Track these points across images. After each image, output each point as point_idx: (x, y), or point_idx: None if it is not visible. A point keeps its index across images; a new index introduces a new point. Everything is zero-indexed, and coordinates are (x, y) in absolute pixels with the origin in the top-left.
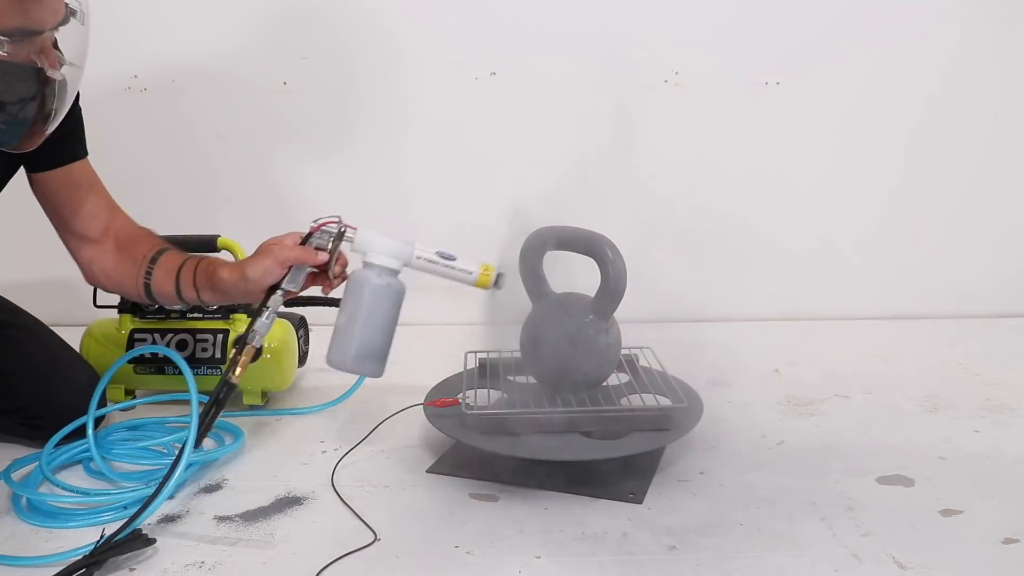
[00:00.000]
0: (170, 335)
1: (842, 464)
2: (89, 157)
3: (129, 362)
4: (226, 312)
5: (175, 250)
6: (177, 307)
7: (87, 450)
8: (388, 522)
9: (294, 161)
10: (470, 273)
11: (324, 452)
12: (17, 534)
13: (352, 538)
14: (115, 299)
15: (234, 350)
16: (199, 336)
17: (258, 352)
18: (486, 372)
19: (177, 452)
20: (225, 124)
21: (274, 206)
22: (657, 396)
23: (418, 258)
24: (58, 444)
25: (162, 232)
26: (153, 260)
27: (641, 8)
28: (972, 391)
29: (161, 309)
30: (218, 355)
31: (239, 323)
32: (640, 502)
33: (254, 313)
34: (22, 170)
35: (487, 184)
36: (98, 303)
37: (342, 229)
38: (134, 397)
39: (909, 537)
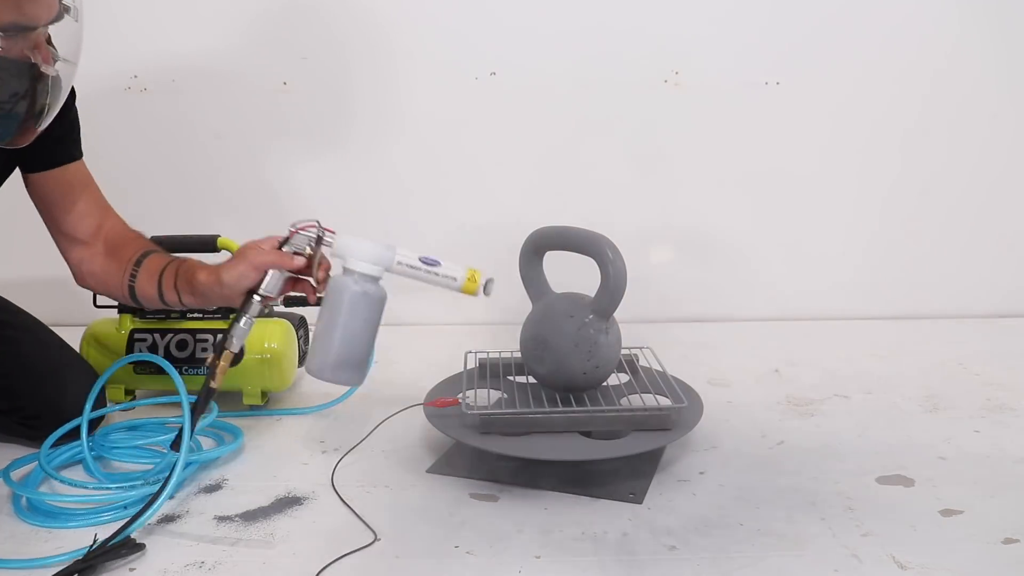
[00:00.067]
0: (170, 335)
1: (842, 464)
2: (89, 157)
3: (129, 363)
4: (226, 312)
5: (161, 252)
6: (166, 310)
7: (88, 449)
8: (388, 522)
9: (294, 161)
10: (455, 279)
11: (324, 452)
12: (17, 534)
13: (352, 538)
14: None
15: (212, 355)
16: (199, 336)
17: (238, 357)
18: (486, 372)
19: (171, 468)
20: (225, 124)
21: (274, 206)
22: (657, 396)
23: (399, 263)
24: (56, 444)
25: (162, 232)
26: (138, 263)
27: (641, 8)
28: (972, 391)
29: (161, 309)
30: None
31: None
32: (640, 502)
33: (233, 318)
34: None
35: (487, 184)
36: (98, 303)
37: (320, 233)
38: (134, 397)
39: (909, 537)
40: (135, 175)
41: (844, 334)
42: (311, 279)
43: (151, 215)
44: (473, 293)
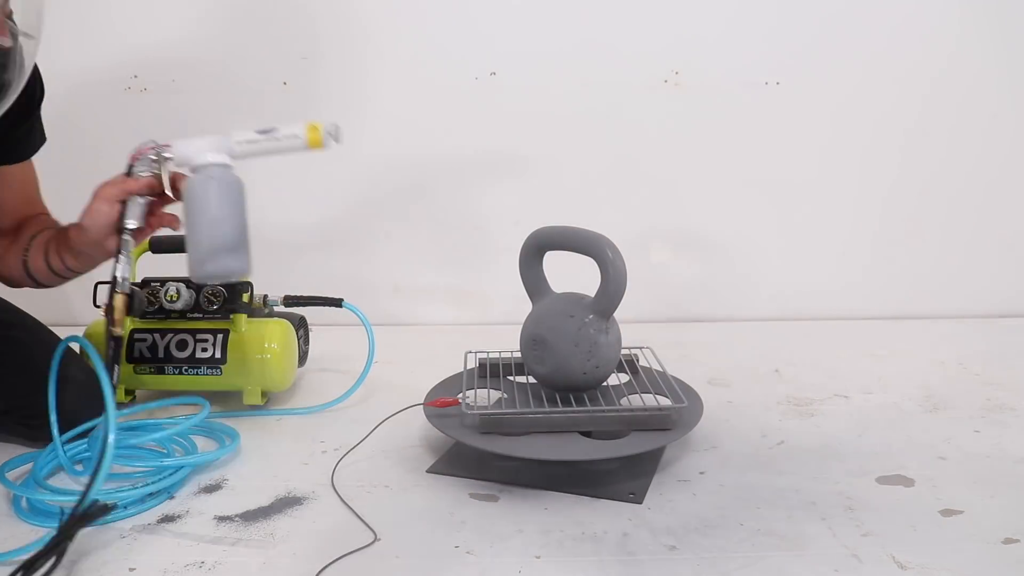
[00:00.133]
0: (170, 335)
1: (842, 464)
2: (90, 157)
3: (129, 362)
4: (226, 312)
5: (54, 227)
6: (54, 284)
7: (86, 450)
8: (388, 522)
9: (293, 161)
10: (298, 137)
11: (324, 452)
12: (17, 534)
13: (352, 538)
14: None
15: (105, 304)
16: (199, 336)
17: (131, 298)
18: (486, 372)
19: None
20: (225, 124)
21: (273, 205)
22: (657, 396)
23: (239, 143)
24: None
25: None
26: (32, 238)
27: (641, 8)
28: (972, 391)
29: (161, 309)
30: (218, 355)
31: (239, 323)
32: (640, 502)
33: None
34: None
35: (486, 184)
36: (98, 303)
37: (157, 149)
38: (134, 397)
39: (909, 537)
40: None
41: (844, 334)
42: (172, 197)
43: None
44: (321, 145)
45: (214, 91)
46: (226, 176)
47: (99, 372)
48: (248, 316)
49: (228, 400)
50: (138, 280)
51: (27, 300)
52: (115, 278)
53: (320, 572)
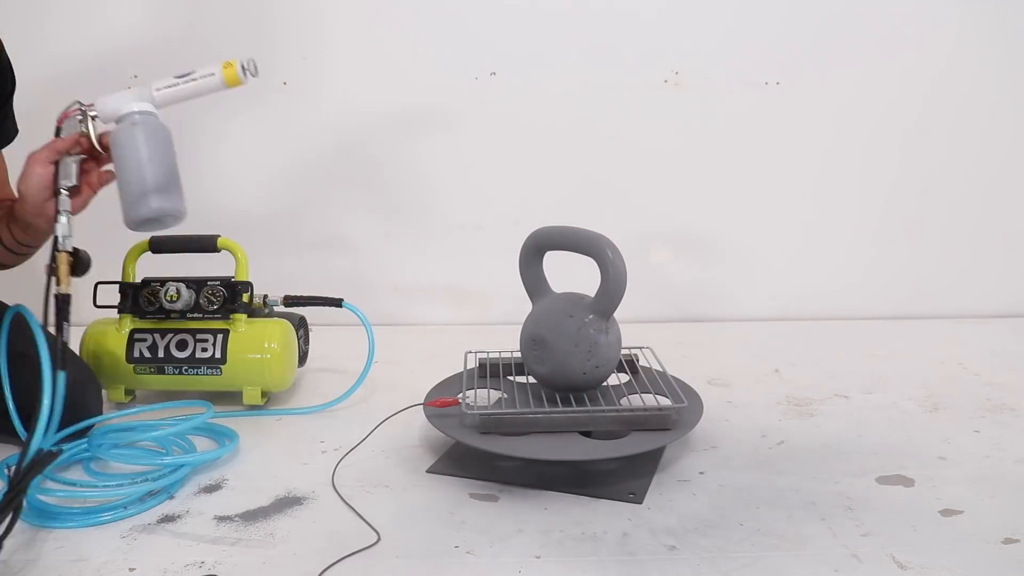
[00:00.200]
0: (170, 335)
1: (842, 464)
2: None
3: (129, 362)
4: (226, 312)
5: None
6: (14, 263)
7: (86, 450)
8: (388, 522)
9: (293, 161)
10: (213, 75)
11: (324, 452)
12: (16, 534)
13: (353, 538)
14: (115, 299)
15: (47, 264)
16: (199, 336)
17: (75, 258)
18: (486, 372)
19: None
20: (225, 124)
21: (274, 206)
22: (657, 396)
23: (158, 90)
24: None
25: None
26: None
27: (641, 8)
28: (972, 391)
29: (161, 309)
30: (218, 355)
31: (239, 323)
32: (640, 502)
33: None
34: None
35: (487, 184)
36: (98, 303)
37: (82, 108)
38: (134, 397)
39: (909, 537)
40: None
41: (844, 334)
42: (96, 151)
43: None
44: (239, 82)
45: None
46: (149, 121)
47: (37, 338)
48: (248, 316)
49: (228, 400)
50: (138, 280)
51: (27, 300)
52: (56, 237)
53: (321, 572)
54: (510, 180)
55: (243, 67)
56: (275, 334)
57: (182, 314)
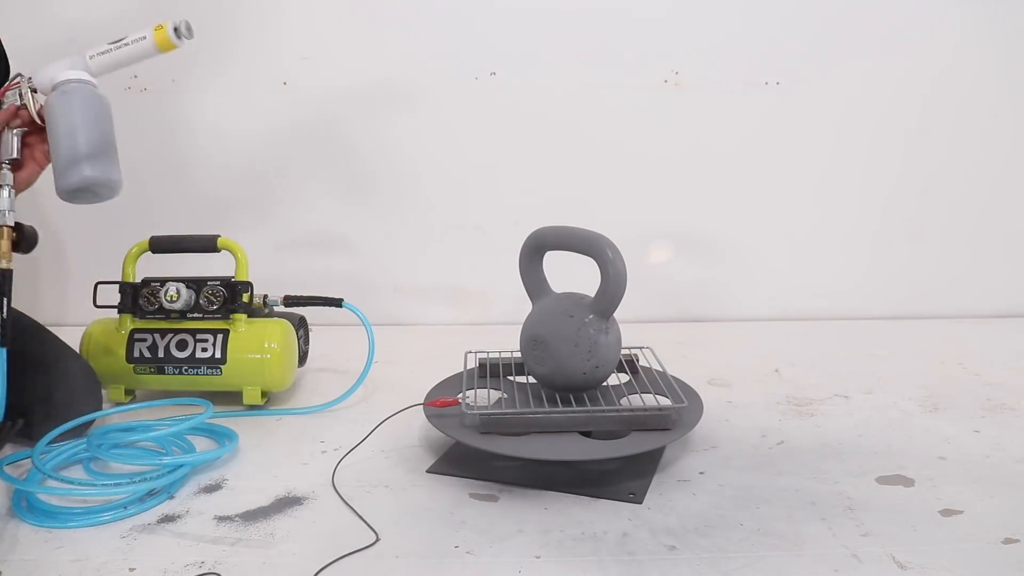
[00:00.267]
0: (170, 335)
1: (842, 464)
2: None
3: (128, 362)
4: (226, 312)
5: None
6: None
7: (86, 450)
8: (388, 522)
9: (294, 161)
10: (144, 38)
11: (324, 452)
12: (17, 534)
13: (352, 538)
14: (115, 299)
15: None
16: (199, 336)
17: (19, 233)
18: (486, 372)
19: None
20: (225, 124)
21: (274, 206)
22: (657, 396)
23: (92, 57)
24: (51, 443)
25: (161, 232)
26: None
27: (641, 8)
28: (972, 391)
29: (161, 309)
30: (218, 355)
31: (239, 323)
32: (640, 502)
33: None
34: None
35: (486, 184)
36: (98, 303)
37: (22, 81)
38: (134, 397)
39: (909, 537)
40: (135, 175)
41: (844, 334)
42: (36, 122)
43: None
44: (171, 45)
45: (214, 91)
46: (82, 89)
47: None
48: (248, 316)
49: (228, 400)
50: (138, 280)
51: (27, 300)
52: None
53: (320, 572)
54: (510, 180)
55: (175, 29)
56: (275, 334)
57: (182, 314)
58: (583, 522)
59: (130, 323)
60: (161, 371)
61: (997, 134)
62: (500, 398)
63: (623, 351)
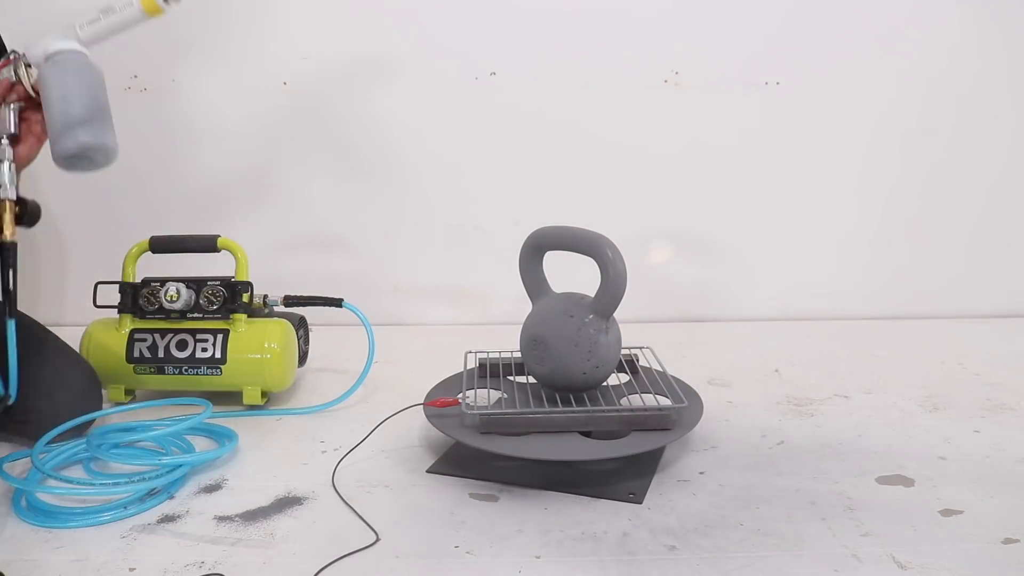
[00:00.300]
0: (170, 335)
1: (842, 464)
2: None
3: (128, 362)
4: (226, 312)
5: None
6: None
7: (85, 449)
8: (388, 522)
9: (294, 161)
10: (132, 4)
11: (324, 452)
12: (17, 534)
13: (352, 538)
14: (115, 299)
15: None
16: (199, 336)
17: (22, 207)
18: (486, 372)
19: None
20: (225, 124)
21: (274, 206)
22: (657, 396)
23: (81, 27)
24: (50, 443)
25: (161, 232)
26: None
27: (641, 8)
28: (972, 391)
29: (161, 309)
30: (218, 355)
31: (239, 323)
32: (640, 502)
33: None
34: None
35: (486, 184)
36: (98, 303)
37: (16, 56)
38: (134, 397)
39: (909, 537)
40: (135, 175)
41: (844, 334)
42: (33, 99)
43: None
44: (159, 9)
45: (214, 91)
46: (74, 58)
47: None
48: (248, 316)
49: (228, 400)
50: (138, 280)
51: (27, 300)
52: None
53: (320, 572)
54: (510, 180)
55: None
56: (275, 334)
57: (182, 314)
58: (583, 522)
59: (130, 323)
60: (161, 371)
61: (996, 134)
62: (500, 398)
63: (623, 351)
